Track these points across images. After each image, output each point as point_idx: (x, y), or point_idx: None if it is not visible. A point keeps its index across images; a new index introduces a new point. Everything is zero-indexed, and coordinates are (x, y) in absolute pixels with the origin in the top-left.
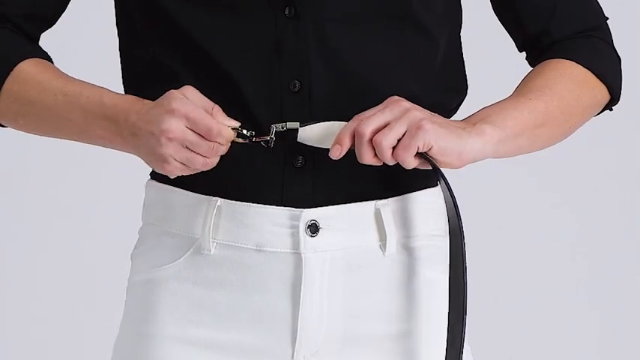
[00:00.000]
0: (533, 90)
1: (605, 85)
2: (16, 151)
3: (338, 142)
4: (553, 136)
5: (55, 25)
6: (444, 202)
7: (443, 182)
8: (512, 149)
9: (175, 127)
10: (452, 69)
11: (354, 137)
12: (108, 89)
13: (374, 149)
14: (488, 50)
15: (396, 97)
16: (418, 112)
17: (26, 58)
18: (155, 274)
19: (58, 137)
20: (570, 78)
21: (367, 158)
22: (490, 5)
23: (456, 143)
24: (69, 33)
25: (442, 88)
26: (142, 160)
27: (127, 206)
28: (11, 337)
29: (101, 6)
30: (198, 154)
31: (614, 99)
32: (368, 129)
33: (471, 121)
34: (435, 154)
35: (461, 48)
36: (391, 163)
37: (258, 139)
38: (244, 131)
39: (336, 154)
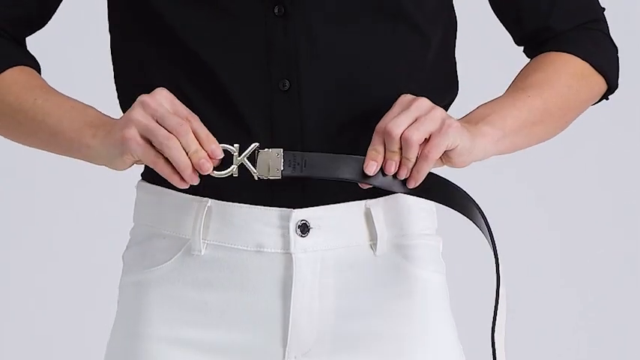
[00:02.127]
0: (532, 86)
1: (604, 77)
2: (12, 149)
3: (372, 158)
4: (549, 132)
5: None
6: (434, 201)
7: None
8: (508, 147)
9: (150, 100)
10: (443, 68)
11: (384, 144)
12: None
13: (400, 155)
14: (485, 50)
15: (410, 96)
16: (441, 111)
17: (13, 66)
18: (146, 275)
19: (28, 143)
20: (569, 73)
21: (392, 167)
22: (484, 4)
23: (470, 143)
24: (63, 38)
25: (433, 87)
26: (104, 160)
27: (119, 207)
28: (7, 338)
29: (94, 8)
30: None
31: (611, 88)
32: (399, 128)
33: (471, 120)
34: (454, 153)
35: (454, 47)
36: (411, 161)
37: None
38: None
39: (372, 170)
